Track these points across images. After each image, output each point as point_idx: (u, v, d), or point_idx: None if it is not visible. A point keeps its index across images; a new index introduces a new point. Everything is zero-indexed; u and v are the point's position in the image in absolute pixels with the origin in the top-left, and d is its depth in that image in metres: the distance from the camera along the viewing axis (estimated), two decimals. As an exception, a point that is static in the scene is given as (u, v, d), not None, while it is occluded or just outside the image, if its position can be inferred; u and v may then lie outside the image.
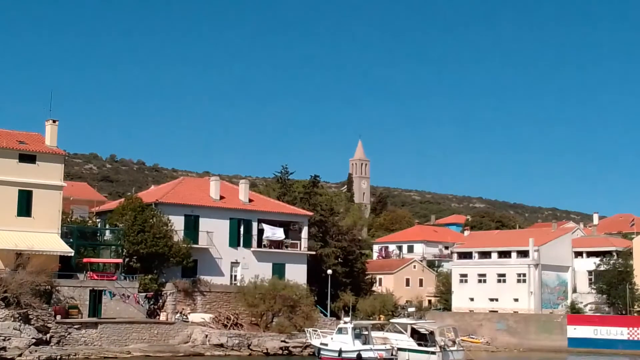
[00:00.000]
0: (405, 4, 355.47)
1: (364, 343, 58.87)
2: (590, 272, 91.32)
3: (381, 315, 79.63)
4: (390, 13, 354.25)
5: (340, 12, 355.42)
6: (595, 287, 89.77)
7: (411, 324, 61.53)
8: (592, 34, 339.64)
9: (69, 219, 69.06)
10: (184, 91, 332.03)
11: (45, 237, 60.99)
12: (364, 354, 57.59)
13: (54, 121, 64.39)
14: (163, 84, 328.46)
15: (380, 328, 63.65)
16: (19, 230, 60.15)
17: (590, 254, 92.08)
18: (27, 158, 61.85)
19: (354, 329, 59.20)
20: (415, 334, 60.29)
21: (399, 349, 59.05)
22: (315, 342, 61.28)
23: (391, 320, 67.12)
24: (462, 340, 65.51)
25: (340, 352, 58.39)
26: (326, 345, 60.00)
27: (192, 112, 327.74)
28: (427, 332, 60.01)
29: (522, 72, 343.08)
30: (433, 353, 57.68)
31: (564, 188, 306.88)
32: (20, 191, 61.12)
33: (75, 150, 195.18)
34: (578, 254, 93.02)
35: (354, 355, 57.75)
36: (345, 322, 60.81)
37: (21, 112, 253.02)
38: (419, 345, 59.04)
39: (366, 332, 59.89)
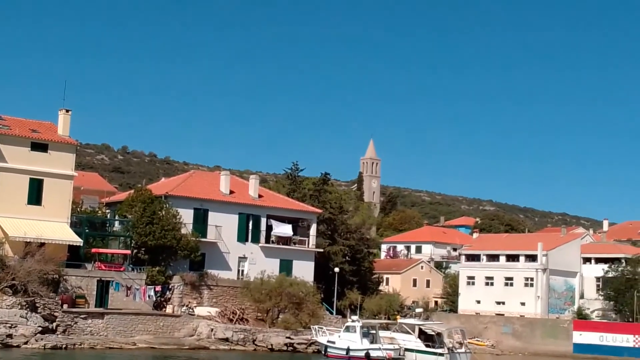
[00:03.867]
0: (420, 6, 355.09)
1: (372, 342, 58.89)
2: (598, 279, 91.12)
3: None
4: (403, 13, 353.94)
5: (352, 12, 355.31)
6: (602, 294, 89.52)
7: (419, 324, 61.48)
8: (606, 40, 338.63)
9: (78, 209, 69.22)
10: (198, 86, 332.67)
11: (54, 226, 61.17)
12: (373, 353, 57.56)
13: (67, 111, 64.56)
14: (176, 78, 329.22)
15: (386, 328, 63.60)
16: (28, 219, 60.33)
17: (598, 260, 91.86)
18: (39, 147, 62.02)
19: (362, 327, 59.16)
20: (422, 335, 60.25)
21: (406, 350, 59.03)
22: (322, 339, 61.31)
23: (399, 321, 67.06)
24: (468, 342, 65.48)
25: (348, 350, 58.37)
26: (333, 343, 60.04)
27: (204, 107, 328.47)
28: (434, 334, 59.98)
29: (536, 77, 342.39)
30: (441, 354, 57.68)
31: (574, 194, 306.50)
32: (31, 179, 61.27)
33: (88, 141, 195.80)
34: (586, 260, 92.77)
35: (362, 354, 57.73)
36: (353, 321, 60.75)
37: (34, 100, 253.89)
38: (427, 346, 59.04)
39: (374, 332, 59.89)
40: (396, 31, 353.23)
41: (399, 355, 58.42)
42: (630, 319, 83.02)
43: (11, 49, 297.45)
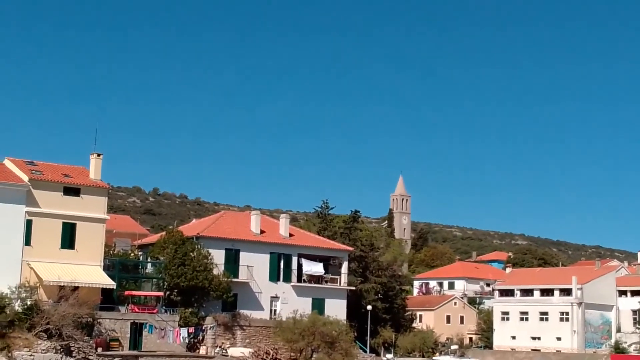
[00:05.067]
0: (446, 43, 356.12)
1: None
2: (634, 312, 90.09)
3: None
4: (430, 49, 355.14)
5: (380, 48, 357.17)
6: (639, 327, 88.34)
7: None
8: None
9: (111, 252, 69.64)
10: (227, 126, 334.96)
11: (87, 270, 61.53)
12: None
13: (99, 155, 65.25)
14: (206, 119, 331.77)
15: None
16: (62, 263, 60.73)
17: (634, 293, 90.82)
18: (72, 191, 62.61)
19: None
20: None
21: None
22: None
23: (434, 358, 66.65)
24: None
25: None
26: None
27: (234, 147, 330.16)
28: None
29: (564, 111, 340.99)
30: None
31: (608, 226, 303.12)
32: (64, 224, 61.77)
33: (119, 184, 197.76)
34: (622, 293, 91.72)
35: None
36: (388, 359, 60.43)
37: (66, 145, 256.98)
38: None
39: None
40: (425, 68, 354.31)
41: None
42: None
43: (43, 95, 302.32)
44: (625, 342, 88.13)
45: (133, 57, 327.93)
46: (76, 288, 59.24)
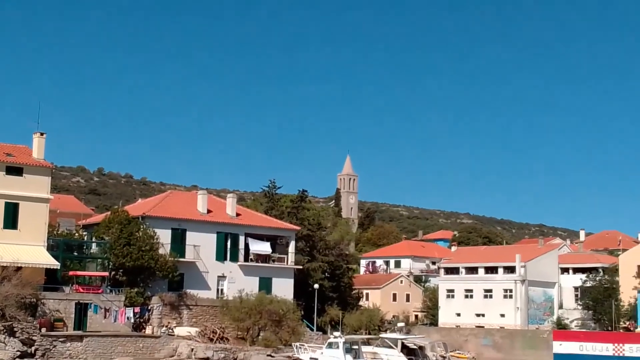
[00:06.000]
0: (391, 21, 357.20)
1: (355, 358, 58.84)
2: (576, 288, 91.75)
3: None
4: (377, 30, 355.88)
5: (330, 27, 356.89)
6: (581, 303, 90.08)
7: (401, 339, 61.62)
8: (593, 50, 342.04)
9: (55, 232, 68.77)
10: (173, 104, 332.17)
11: (31, 250, 60.69)
12: None
13: (42, 134, 64.23)
14: (151, 98, 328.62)
15: (368, 343, 63.63)
16: (4, 243, 59.83)
17: (576, 270, 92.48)
18: (14, 170, 61.60)
19: (344, 343, 59.12)
20: (405, 349, 60.42)
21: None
22: (304, 356, 61.19)
23: (381, 335, 67.16)
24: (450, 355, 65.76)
25: (331, 366, 58.25)
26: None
27: (180, 126, 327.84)
28: (416, 347, 60.18)
29: (507, 88, 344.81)
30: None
31: (551, 205, 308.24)
32: (6, 203, 60.81)
33: (63, 163, 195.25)
34: (564, 270, 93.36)
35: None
36: (335, 337, 60.70)
37: (9, 124, 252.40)
38: (410, 360, 59.28)
39: (357, 347, 59.87)
40: (371, 47, 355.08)
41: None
42: (609, 328, 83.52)
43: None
44: (567, 318, 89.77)
45: (76, 35, 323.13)
46: (19, 268, 58.49)
